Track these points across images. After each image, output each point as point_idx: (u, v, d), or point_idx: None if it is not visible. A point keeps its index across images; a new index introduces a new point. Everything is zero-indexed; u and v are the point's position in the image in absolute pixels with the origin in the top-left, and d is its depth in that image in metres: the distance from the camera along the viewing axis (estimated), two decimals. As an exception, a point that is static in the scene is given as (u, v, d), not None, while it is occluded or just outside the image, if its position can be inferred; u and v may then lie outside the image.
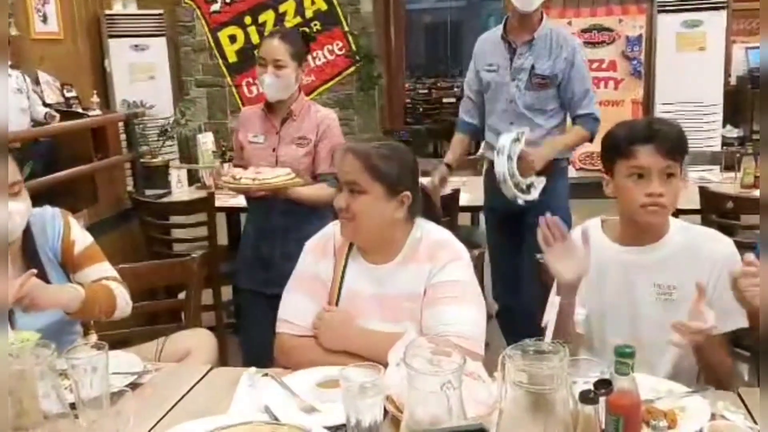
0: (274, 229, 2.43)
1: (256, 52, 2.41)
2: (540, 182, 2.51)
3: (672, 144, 1.51)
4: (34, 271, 1.57)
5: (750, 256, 1.40)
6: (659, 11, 5.55)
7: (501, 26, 2.69)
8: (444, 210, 2.85)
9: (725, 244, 1.58)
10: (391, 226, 1.58)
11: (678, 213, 1.68)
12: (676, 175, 1.54)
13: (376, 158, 1.54)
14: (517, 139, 2.45)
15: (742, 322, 1.54)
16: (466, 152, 2.94)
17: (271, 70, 2.33)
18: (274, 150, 2.42)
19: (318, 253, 1.67)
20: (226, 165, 3.76)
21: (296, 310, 1.63)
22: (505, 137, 2.45)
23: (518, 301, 2.68)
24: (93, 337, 1.73)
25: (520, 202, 2.47)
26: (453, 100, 9.48)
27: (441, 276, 1.56)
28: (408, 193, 1.57)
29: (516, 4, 2.53)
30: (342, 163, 1.57)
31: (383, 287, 1.60)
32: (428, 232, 1.63)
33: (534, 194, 2.51)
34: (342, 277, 1.63)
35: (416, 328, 1.53)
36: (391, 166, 1.55)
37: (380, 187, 1.54)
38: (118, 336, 1.95)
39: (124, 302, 1.77)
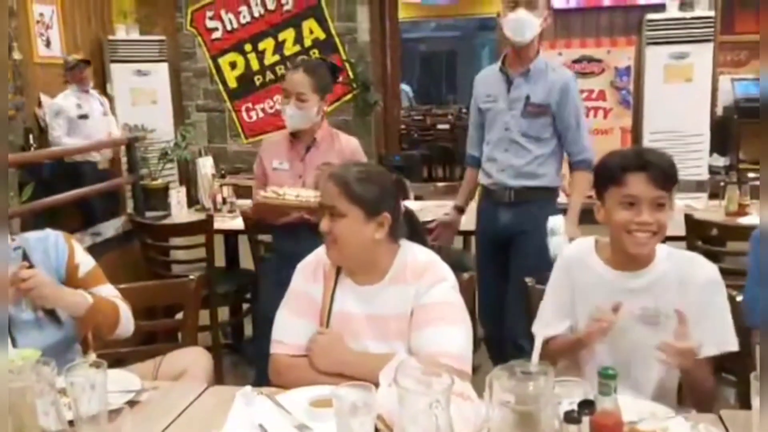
0: (303, 252, 2.45)
1: (282, 83, 2.53)
2: None
3: (663, 174, 1.55)
4: (26, 264, 1.63)
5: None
6: (647, 43, 5.67)
7: (499, 61, 2.78)
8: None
9: (709, 269, 1.61)
10: (373, 248, 1.62)
11: (664, 239, 1.73)
12: (666, 206, 1.57)
13: (353, 182, 1.58)
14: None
15: (730, 345, 1.58)
16: (476, 186, 3.00)
17: (294, 103, 2.43)
18: (300, 176, 2.49)
19: (309, 274, 1.71)
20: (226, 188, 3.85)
21: (290, 330, 1.66)
22: (557, 219, 2.51)
23: (503, 327, 2.72)
24: (92, 356, 1.76)
25: None
26: (447, 126, 9.60)
27: (427, 297, 1.59)
28: (387, 214, 1.61)
29: (511, 37, 2.63)
30: (323, 188, 1.62)
31: (371, 307, 1.63)
32: (415, 254, 1.66)
33: None
34: (332, 299, 1.66)
35: (405, 348, 1.57)
36: (368, 189, 1.59)
37: (358, 210, 1.58)
38: (116, 355, 1.98)
39: (126, 320, 1.80)
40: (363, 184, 1.59)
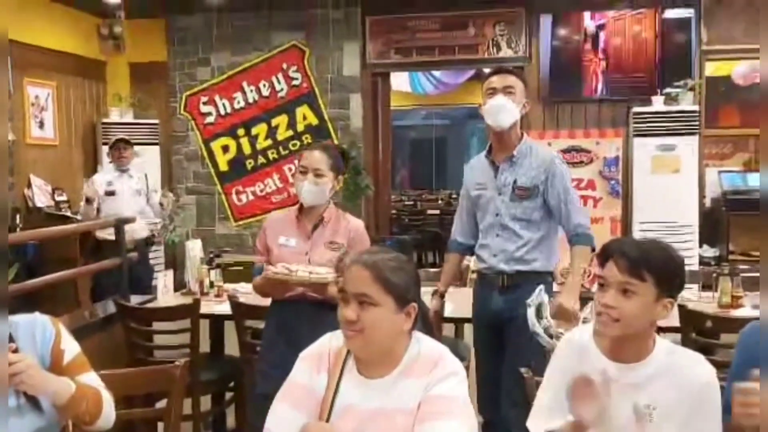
0: (302, 325, 2.43)
1: (296, 161, 2.73)
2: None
3: (631, 262, 1.55)
4: (13, 346, 1.58)
5: (755, 373, 1.43)
6: (635, 135, 5.83)
7: (486, 149, 2.84)
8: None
9: (707, 370, 1.59)
10: (396, 339, 1.57)
11: (658, 331, 1.72)
12: (637, 294, 1.55)
13: (387, 270, 1.53)
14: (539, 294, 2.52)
15: None
16: (458, 273, 3.01)
17: (311, 178, 2.51)
18: (306, 254, 2.53)
19: (313, 364, 1.64)
20: (213, 271, 3.79)
21: (283, 421, 1.59)
22: (535, 292, 2.51)
23: (499, 413, 2.64)
24: (71, 446, 1.67)
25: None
26: (437, 212, 9.69)
27: (435, 390, 1.54)
28: (415, 304, 1.57)
29: (491, 123, 2.69)
30: (350, 274, 1.55)
31: (378, 401, 1.56)
32: (426, 346, 1.61)
33: None
34: (336, 391, 1.59)
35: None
36: (400, 278, 1.54)
37: (391, 300, 1.52)
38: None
39: (109, 410, 1.73)
40: (396, 272, 1.54)
